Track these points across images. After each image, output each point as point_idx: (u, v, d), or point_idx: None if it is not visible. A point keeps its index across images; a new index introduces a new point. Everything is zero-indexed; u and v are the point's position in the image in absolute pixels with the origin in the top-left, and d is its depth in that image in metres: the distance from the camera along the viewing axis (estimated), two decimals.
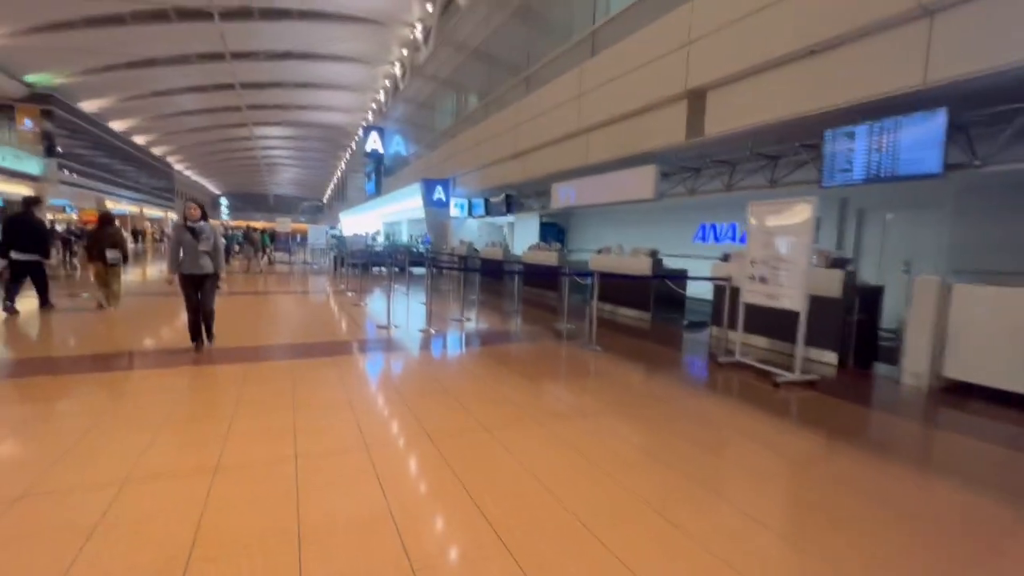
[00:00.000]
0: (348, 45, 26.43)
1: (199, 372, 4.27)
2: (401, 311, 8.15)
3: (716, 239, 10.84)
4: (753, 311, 5.23)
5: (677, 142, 7.64)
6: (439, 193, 17.77)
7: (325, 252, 21.67)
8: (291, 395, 3.76)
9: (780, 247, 4.69)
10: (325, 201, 70.60)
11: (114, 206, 36.21)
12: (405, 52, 27.10)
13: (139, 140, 40.91)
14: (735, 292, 5.67)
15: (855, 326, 5.28)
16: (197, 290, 4.90)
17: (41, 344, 5.37)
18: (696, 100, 7.28)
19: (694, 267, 8.75)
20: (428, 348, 5.73)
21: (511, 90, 13.14)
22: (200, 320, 4.98)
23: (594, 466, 2.74)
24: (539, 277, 10.97)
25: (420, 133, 22.79)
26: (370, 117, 35.49)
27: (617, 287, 8.46)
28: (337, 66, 29.03)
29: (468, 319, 7.62)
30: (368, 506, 2.26)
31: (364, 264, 16.20)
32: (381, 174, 28.69)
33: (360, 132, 36.18)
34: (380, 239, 19.65)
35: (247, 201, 74.88)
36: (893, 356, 5.48)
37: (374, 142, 28.31)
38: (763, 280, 4.85)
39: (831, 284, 5.20)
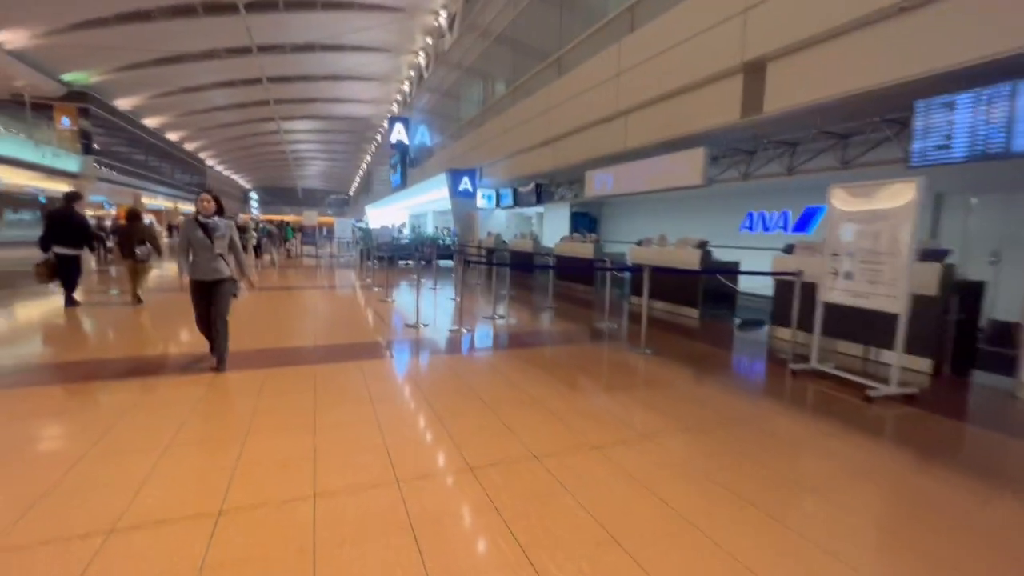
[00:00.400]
0: (372, 34, 26.12)
1: (211, 382, 3.88)
2: (429, 307, 7.71)
3: (766, 228, 10.01)
4: (830, 310, 4.55)
5: (730, 121, 6.90)
6: (465, 184, 17.28)
7: (351, 245, 21.55)
8: (311, 411, 3.33)
9: (873, 237, 3.99)
10: (351, 194, 71.20)
11: (149, 201, 37.16)
12: (429, 40, 26.62)
13: (172, 136, 41.79)
14: (807, 289, 4.99)
15: (954, 328, 4.54)
16: (208, 299, 4.09)
17: (48, 346, 5.12)
18: (754, 73, 6.52)
19: (743, 259, 8.02)
20: (460, 351, 5.25)
21: (541, 74, 12.48)
22: (208, 330, 4.18)
23: (675, 514, 2.20)
24: (573, 271, 10.38)
25: (445, 123, 22.30)
26: (395, 108, 35.26)
27: (660, 281, 7.80)
28: (362, 56, 28.81)
29: (500, 317, 7.13)
30: (400, 568, 1.78)
31: (391, 257, 16.00)
32: (407, 165, 28.38)
33: (385, 123, 36.03)
34: (406, 231, 19.32)
35: (276, 195, 76.19)
36: (994, 363, 4.72)
37: (399, 133, 27.98)
38: (848, 276, 4.16)
39: (926, 279, 4.46)
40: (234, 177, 69.00)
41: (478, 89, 17.84)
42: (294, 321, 6.54)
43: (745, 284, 7.95)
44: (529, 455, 2.74)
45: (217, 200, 4.20)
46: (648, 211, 13.41)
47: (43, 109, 25.16)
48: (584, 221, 15.56)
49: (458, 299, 8.62)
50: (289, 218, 33.67)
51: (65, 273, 6.70)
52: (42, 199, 28.19)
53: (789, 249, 5.97)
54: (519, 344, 5.70)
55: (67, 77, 25.25)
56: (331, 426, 3.09)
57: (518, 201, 15.11)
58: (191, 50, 25.80)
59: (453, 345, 5.46)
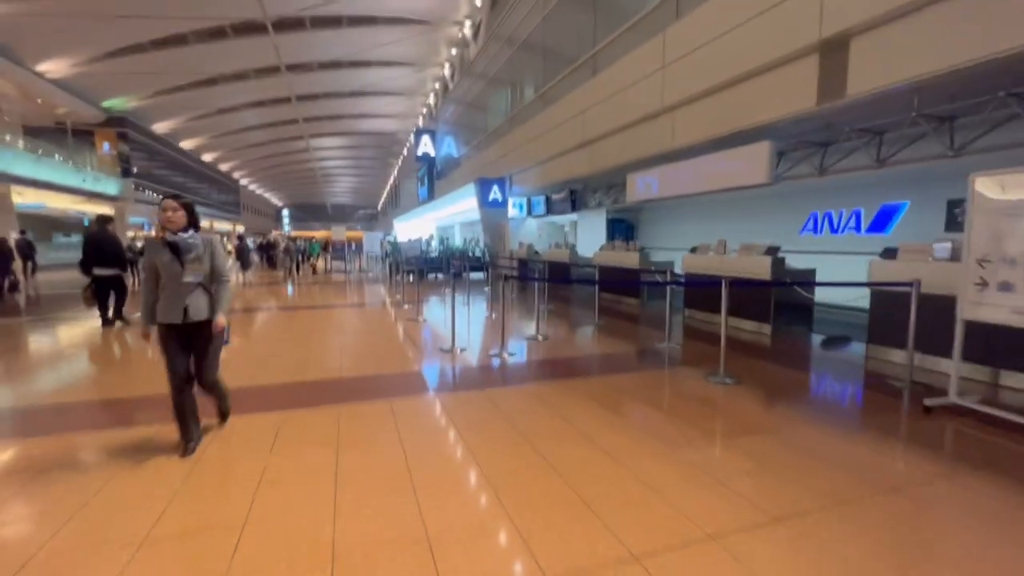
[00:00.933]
0: (397, 49, 26.13)
1: (212, 436, 3.25)
2: (463, 327, 7.03)
3: (834, 230, 8.97)
4: (972, 329, 3.61)
5: (804, 109, 6.01)
6: (495, 193, 16.69)
7: (380, 260, 21.26)
8: (331, 478, 2.64)
9: None
10: (379, 208, 72.08)
11: None
12: (455, 51, 26.43)
13: (207, 157, 43.04)
14: (929, 302, 4.06)
15: None
16: (186, 350, 2.94)
17: (59, 382, 4.64)
18: (833, 52, 5.63)
19: (811, 264, 7.04)
20: (506, 383, 4.52)
21: (573, 75, 11.79)
22: (187, 405, 2.94)
23: None
24: (616, 282, 9.54)
25: (472, 132, 21.87)
26: (420, 122, 35.28)
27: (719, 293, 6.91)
28: (387, 71, 28.91)
29: (543, 337, 6.37)
30: None
31: (420, 271, 15.51)
32: (433, 177, 28.13)
33: (412, 137, 36.11)
34: (434, 244, 18.86)
35: (307, 212, 77.95)
36: None
37: (425, 145, 27.80)
38: (1007, 287, 3.24)
39: None
40: (267, 195, 70.91)
41: (505, 96, 17.30)
42: (317, 347, 5.95)
43: (820, 295, 6.97)
44: (625, 555, 1.97)
45: (188, 207, 2.93)
46: (692, 215, 12.47)
47: (84, 135, 26.05)
48: (621, 228, 14.72)
49: (494, 316, 7.94)
50: (317, 234, 33.95)
51: (106, 294, 6.93)
52: (86, 222, 29.21)
53: (890, 253, 5.02)
54: (571, 371, 4.93)
55: (107, 103, 26.11)
56: (356, 503, 2.39)
57: (551, 209, 14.38)
58: (223, 72, 26.34)
59: (496, 375, 4.74)
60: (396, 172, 52.16)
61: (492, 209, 16.82)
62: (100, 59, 21.99)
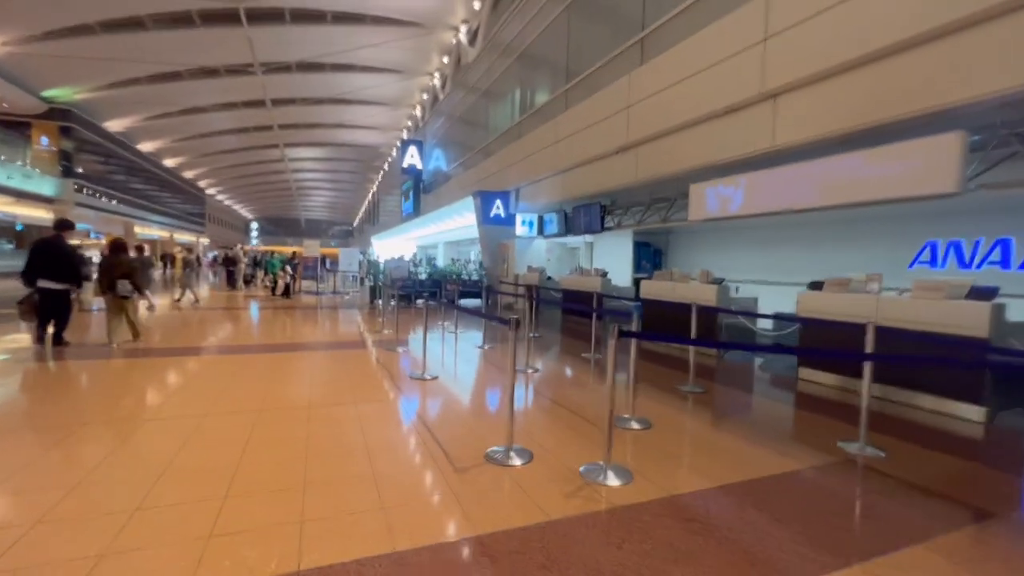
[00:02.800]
0: (385, 54, 23.98)
1: None
2: (495, 386, 4.55)
3: (963, 262, 6.93)
4: None
5: None
6: (498, 208, 14.38)
7: (356, 279, 18.54)
8: None
9: None
10: (355, 225, 69.01)
11: (141, 231, 34.51)
12: (446, 59, 24.46)
13: (169, 162, 39.59)
14: None
15: None
16: None
17: None
18: None
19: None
20: (614, 543, 2.05)
21: (611, 66, 9.70)
22: None
23: None
24: (669, 325, 7.24)
25: (468, 142, 19.64)
26: (404, 135, 33.02)
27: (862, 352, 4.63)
28: (372, 78, 26.74)
29: (634, 422, 3.92)
30: None
31: (407, 295, 12.91)
32: (420, 192, 25.72)
33: (395, 150, 33.79)
34: (422, 264, 16.33)
35: (280, 226, 74.21)
36: None
37: (412, 157, 25.48)
38: None
39: None
40: (236, 207, 67.00)
41: (513, 99, 15.17)
42: (252, 456, 3.36)
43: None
44: None
45: None
46: (739, 240, 10.38)
47: (18, 126, 22.66)
48: (647, 253, 12.56)
49: (530, 371, 5.51)
50: (284, 249, 30.80)
51: (50, 310, 6.11)
52: (19, 226, 25.51)
53: None
54: (702, 498, 2.49)
55: (47, 93, 22.88)
56: None
57: (571, 228, 12.12)
58: (188, 66, 23.57)
59: (591, 525, 2.27)
60: (375, 187, 49.52)
61: (494, 226, 14.47)
62: (38, 39, 18.97)
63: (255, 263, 18.87)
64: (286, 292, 14.72)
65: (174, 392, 4.57)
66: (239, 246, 28.67)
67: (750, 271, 9.81)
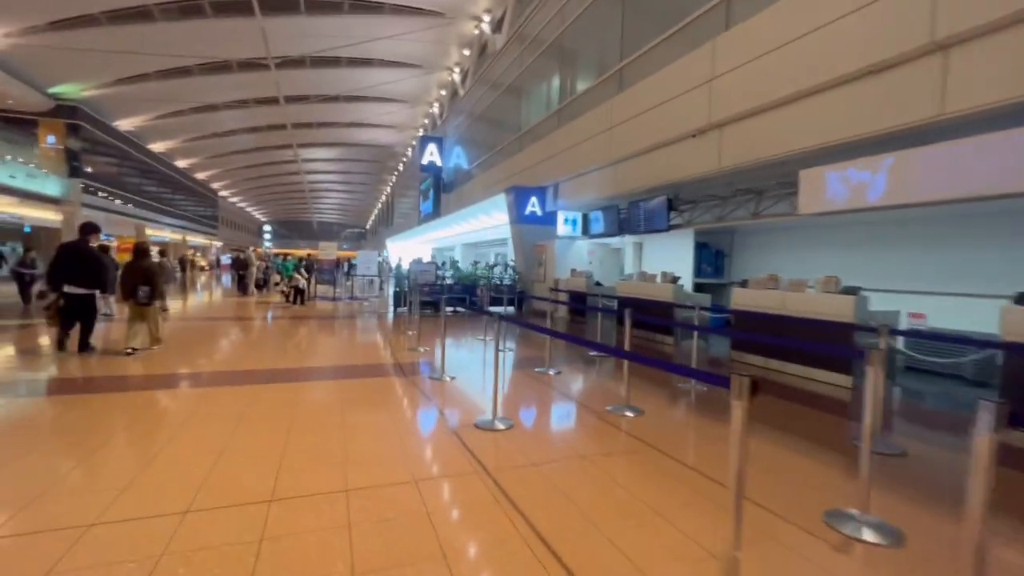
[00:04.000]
0: (403, 45, 22.72)
1: None
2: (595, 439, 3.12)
3: None
4: None
5: None
6: (533, 205, 12.98)
7: (374, 285, 17.23)
8: None
9: None
10: (368, 227, 68.17)
11: (154, 233, 33.64)
12: (467, 52, 23.19)
13: (181, 163, 38.83)
14: None
15: None
16: None
17: None
18: None
19: None
20: None
21: (686, 31, 8.25)
22: None
23: None
24: (779, 345, 5.77)
25: (497, 133, 18.25)
26: (421, 133, 31.81)
27: None
28: (390, 73, 25.56)
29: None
30: None
31: (435, 303, 11.57)
32: (440, 191, 24.39)
33: (414, 144, 32.56)
34: (448, 267, 14.94)
35: (292, 229, 73.74)
36: None
37: (431, 155, 24.17)
38: None
39: None
40: (249, 210, 66.52)
41: (551, 83, 13.76)
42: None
43: None
44: None
45: None
46: (821, 240, 8.82)
47: (24, 124, 21.77)
48: (707, 255, 11.05)
49: (628, 413, 4.09)
50: (299, 252, 29.64)
51: (74, 316, 6.02)
52: (27, 228, 24.65)
53: None
54: None
55: (55, 89, 21.96)
56: None
57: (625, 226, 10.66)
58: (198, 59, 22.52)
59: None
60: (389, 189, 48.42)
61: (528, 225, 13.07)
62: (42, 30, 18.00)
63: (266, 268, 17.89)
64: (300, 298, 13.43)
65: (147, 467, 3.19)
66: (251, 249, 27.73)
67: (811, 273, 8.30)
